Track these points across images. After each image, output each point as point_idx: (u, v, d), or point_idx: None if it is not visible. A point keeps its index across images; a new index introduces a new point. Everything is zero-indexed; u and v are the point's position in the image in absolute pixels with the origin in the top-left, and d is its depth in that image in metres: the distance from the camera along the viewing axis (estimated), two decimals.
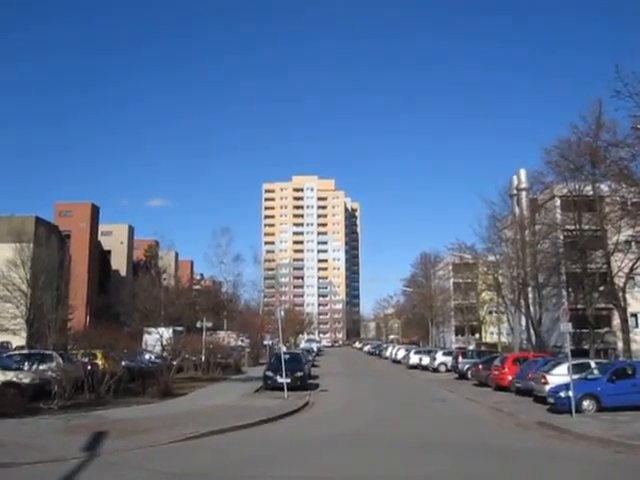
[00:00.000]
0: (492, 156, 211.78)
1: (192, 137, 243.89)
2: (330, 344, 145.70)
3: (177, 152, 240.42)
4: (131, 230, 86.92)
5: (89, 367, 22.77)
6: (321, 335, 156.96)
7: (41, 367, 22.35)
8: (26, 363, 23.35)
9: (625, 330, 36.30)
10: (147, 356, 33.58)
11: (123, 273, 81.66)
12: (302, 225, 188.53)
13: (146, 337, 39.61)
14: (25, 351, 28.84)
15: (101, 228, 79.75)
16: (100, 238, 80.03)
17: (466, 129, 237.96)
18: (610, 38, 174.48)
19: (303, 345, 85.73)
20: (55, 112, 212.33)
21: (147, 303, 44.24)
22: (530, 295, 47.61)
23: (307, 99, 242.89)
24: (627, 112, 23.70)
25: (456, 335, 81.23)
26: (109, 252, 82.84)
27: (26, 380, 20.70)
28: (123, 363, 24.35)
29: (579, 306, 41.19)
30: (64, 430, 15.51)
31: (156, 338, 34.02)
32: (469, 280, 67.37)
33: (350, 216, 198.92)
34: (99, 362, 23.91)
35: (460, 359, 40.17)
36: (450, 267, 76.70)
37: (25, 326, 45.89)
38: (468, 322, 73.10)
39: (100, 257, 79.31)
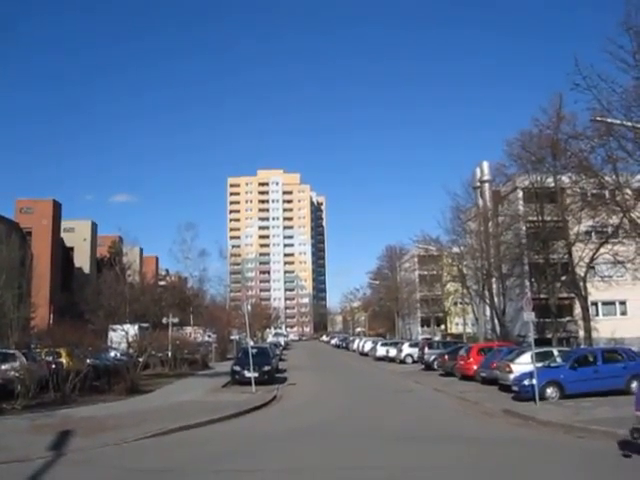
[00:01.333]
0: (456, 147, 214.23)
1: (157, 133, 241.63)
2: (297, 338, 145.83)
3: (142, 147, 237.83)
4: (94, 226, 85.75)
5: (53, 366, 22.44)
6: (288, 329, 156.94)
7: (4, 367, 21.90)
8: None
9: (586, 318, 37.01)
10: (112, 353, 33.19)
11: (87, 270, 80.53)
12: (268, 219, 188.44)
13: (111, 334, 39.17)
14: None
15: (63, 225, 78.48)
16: (62, 235, 78.73)
17: (430, 120, 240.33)
18: (573, 29, 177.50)
19: (270, 339, 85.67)
20: (16, 109, 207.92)
21: (112, 300, 43.80)
22: (494, 286, 48.23)
23: (271, 93, 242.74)
24: (586, 105, 24.08)
25: (422, 327, 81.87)
26: (72, 249, 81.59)
27: None
28: (88, 361, 24.01)
29: (542, 296, 41.86)
30: (29, 430, 15.29)
31: (121, 335, 33.80)
32: (434, 272, 67.87)
33: (316, 210, 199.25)
34: (63, 360, 23.58)
35: (426, 350, 40.56)
36: (415, 259, 77.20)
37: None
38: (434, 313, 73.76)
39: (63, 254, 78.07)
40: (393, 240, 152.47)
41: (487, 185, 53.69)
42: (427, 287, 72.64)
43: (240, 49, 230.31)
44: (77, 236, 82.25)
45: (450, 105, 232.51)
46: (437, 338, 60.66)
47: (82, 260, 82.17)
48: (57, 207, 75.85)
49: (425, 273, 72.73)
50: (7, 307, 41.74)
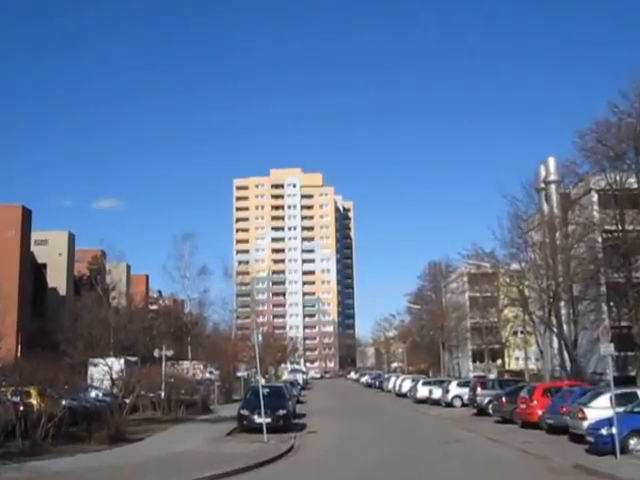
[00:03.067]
0: (514, 141, 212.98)
1: (148, 124, 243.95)
2: (319, 375, 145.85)
3: (131, 141, 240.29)
4: (72, 238, 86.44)
5: (21, 408, 22.58)
6: (308, 364, 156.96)
7: None
8: None
9: None
10: (93, 393, 33.41)
11: (62, 291, 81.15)
12: (283, 230, 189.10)
13: (92, 370, 39.45)
14: None
15: (34, 236, 79.22)
16: (33, 248, 79.48)
17: (480, 107, 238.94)
18: None
19: (286, 377, 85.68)
20: None
21: (92, 328, 44.21)
22: (563, 311, 47.86)
23: (288, 76, 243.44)
24: None
25: (474, 362, 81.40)
26: (45, 266, 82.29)
27: None
28: (64, 402, 24.18)
29: (623, 324, 41.46)
30: None
31: (104, 371, 33.95)
32: (488, 294, 67.60)
33: (342, 218, 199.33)
34: (34, 401, 23.72)
35: (479, 391, 40.29)
36: (465, 278, 76.89)
37: None
38: (488, 345, 73.30)
39: (34, 272, 78.79)
40: (437, 255, 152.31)
41: (554, 187, 53.46)
42: (480, 313, 72.27)
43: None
44: (51, 250, 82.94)
45: (506, 87, 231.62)
46: (492, 376, 60.20)
47: (57, 279, 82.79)
48: (27, 215, 76.61)
49: (477, 295, 72.49)
50: None
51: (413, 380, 60.14)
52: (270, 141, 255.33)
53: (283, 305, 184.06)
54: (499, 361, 76.67)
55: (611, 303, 44.84)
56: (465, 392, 44.56)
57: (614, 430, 19.27)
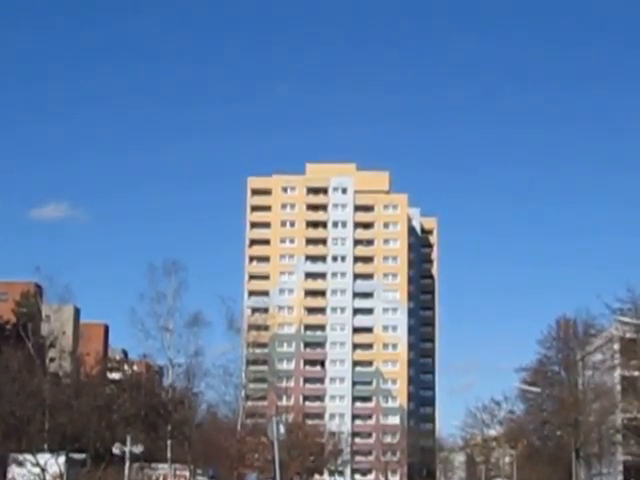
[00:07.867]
0: None
1: (120, 95, 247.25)
2: None
3: (94, 119, 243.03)
4: None
5: None
6: (358, 477, 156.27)
7: None
8: None
9: None
10: None
11: None
12: (324, 260, 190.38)
13: (14, 470, 39.62)
14: None
15: None
16: None
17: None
18: None
19: None
20: None
21: (17, 405, 44.29)
22: None
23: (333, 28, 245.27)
24: None
25: None
26: None
27: None
28: None
29: None
30: None
31: (34, 474, 34.07)
32: None
33: (419, 244, 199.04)
34: None
35: None
36: (616, 346, 76.16)
37: None
38: None
39: None
40: (571, 307, 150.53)
41: None
42: (639, 402, 71.49)
43: None
44: None
45: None
46: None
47: None
48: None
49: (635, 375, 71.60)
50: None
51: None
52: (307, 124, 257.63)
53: (321, 380, 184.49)
54: None
55: None
56: None
57: None
